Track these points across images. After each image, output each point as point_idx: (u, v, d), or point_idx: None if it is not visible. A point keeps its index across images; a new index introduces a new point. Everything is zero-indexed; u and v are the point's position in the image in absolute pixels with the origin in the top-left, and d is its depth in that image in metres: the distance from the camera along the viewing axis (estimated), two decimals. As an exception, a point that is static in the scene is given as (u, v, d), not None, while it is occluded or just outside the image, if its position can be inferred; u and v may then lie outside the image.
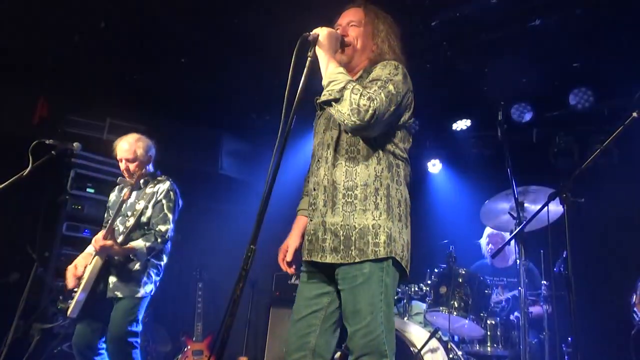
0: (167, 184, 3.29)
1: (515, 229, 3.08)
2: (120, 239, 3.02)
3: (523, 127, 4.88)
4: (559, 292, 3.44)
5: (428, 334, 3.42)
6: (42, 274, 4.49)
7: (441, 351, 3.36)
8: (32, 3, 3.89)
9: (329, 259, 1.89)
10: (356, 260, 1.85)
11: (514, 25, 3.79)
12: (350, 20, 2.14)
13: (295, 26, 3.80)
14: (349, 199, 1.91)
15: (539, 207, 2.78)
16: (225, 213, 6.00)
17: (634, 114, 2.48)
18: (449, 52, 4.21)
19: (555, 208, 2.93)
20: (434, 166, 5.72)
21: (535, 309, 3.81)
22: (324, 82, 1.89)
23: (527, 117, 4.78)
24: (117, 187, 3.46)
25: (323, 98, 1.88)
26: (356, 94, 1.80)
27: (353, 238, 1.86)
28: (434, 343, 3.39)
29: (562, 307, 3.07)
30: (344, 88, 1.82)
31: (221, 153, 6.02)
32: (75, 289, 2.99)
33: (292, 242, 2.19)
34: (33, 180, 2.90)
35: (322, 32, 1.92)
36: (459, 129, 5.32)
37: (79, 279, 3.02)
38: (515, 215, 3.25)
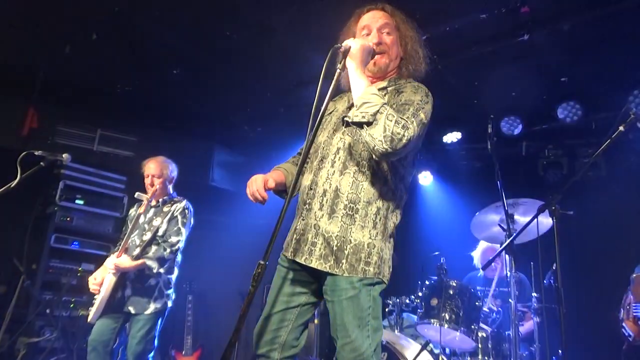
0: (184, 202, 3.62)
1: (506, 241, 3.09)
2: (136, 251, 3.28)
3: (513, 140, 4.93)
4: (550, 305, 3.46)
5: (419, 347, 3.41)
6: (28, 287, 4.42)
7: (432, 364, 3.34)
8: (24, 13, 3.89)
9: (315, 264, 1.88)
10: (344, 275, 1.84)
11: (504, 40, 3.84)
12: (382, 26, 2.08)
13: (289, 39, 3.86)
14: (349, 212, 1.89)
15: (528, 219, 2.80)
16: (216, 225, 5.98)
17: (621, 128, 2.51)
18: (440, 65, 4.25)
19: (545, 220, 2.95)
20: (425, 178, 5.75)
21: (526, 324, 3.82)
22: (357, 102, 1.81)
23: (517, 130, 4.83)
24: (137, 204, 3.74)
25: (355, 119, 1.79)
26: (390, 121, 1.74)
27: (346, 252, 1.86)
28: (425, 356, 3.38)
29: (553, 319, 3.08)
30: (378, 112, 1.75)
31: (212, 165, 6.01)
32: (96, 296, 3.29)
33: (271, 179, 2.05)
34: (21, 192, 2.89)
35: (354, 44, 1.87)
36: (449, 142, 5.36)
37: (100, 285, 3.29)
38: (505, 227, 3.26)
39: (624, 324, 2.97)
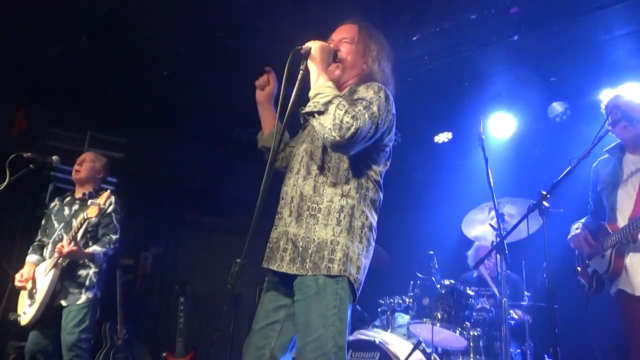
0: (112, 198, 3.52)
1: (496, 240, 3.11)
2: (69, 245, 3.21)
3: (503, 139, 4.96)
4: (541, 303, 3.48)
5: (411, 346, 3.42)
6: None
7: (425, 363, 3.36)
8: (13, 15, 3.86)
9: (285, 268, 1.89)
10: (309, 273, 1.84)
11: (494, 40, 3.87)
12: (343, 37, 2.14)
13: (279, 40, 3.85)
14: (312, 212, 1.90)
15: (519, 218, 2.82)
16: (208, 226, 5.96)
17: (609, 127, 2.55)
18: (430, 65, 4.28)
19: (536, 219, 2.97)
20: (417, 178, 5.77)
21: (519, 315, 3.84)
22: (311, 94, 1.88)
23: (508, 129, 4.87)
24: (57, 197, 3.70)
25: (307, 109, 1.86)
26: (341, 110, 1.79)
27: (310, 251, 1.86)
28: (417, 355, 3.39)
29: (544, 317, 3.10)
30: (329, 102, 1.81)
31: (203, 166, 5.99)
32: (30, 300, 3.26)
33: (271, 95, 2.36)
34: (11, 194, 2.86)
35: (314, 45, 1.94)
36: (441, 142, 5.39)
37: (32, 290, 3.27)
38: (496, 226, 3.28)
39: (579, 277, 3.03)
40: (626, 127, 2.71)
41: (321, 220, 1.89)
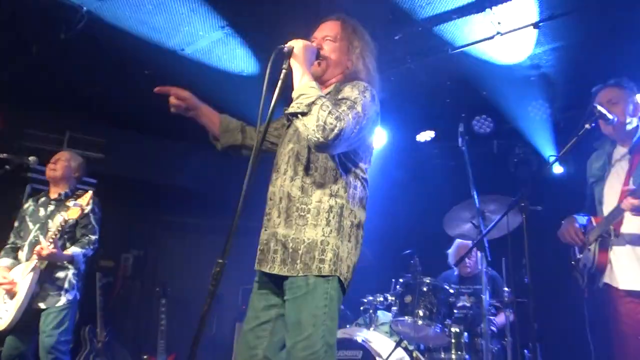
0: (90, 197, 3.43)
1: (477, 237, 3.14)
2: (48, 247, 3.15)
3: (484, 138, 5.02)
4: (521, 299, 3.53)
5: (394, 344, 3.44)
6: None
7: (407, 360, 3.38)
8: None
9: (277, 270, 1.89)
10: (300, 274, 1.84)
11: (474, 40, 3.91)
12: (326, 34, 2.13)
13: (263, 36, 3.84)
14: (302, 213, 1.90)
15: (499, 215, 2.85)
16: (189, 227, 5.91)
17: (587, 126, 2.59)
18: (412, 65, 4.30)
19: (516, 216, 3.00)
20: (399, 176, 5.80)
21: (499, 319, 3.89)
22: (295, 94, 1.87)
23: (488, 129, 4.93)
24: (31, 198, 3.62)
25: (291, 110, 1.85)
26: (324, 111, 1.78)
27: (300, 252, 1.86)
28: (399, 352, 3.41)
29: (524, 313, 3.14)
30: (313, 103, 1.80)
31: (186, 166, 5.94)
32: (6, 303, 3.19)
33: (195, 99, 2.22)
34: (-14, 196, 2.80)
35: (297, 44, 1.92)
36: (423, 141, 5.44)
37: (7, 294, 3.20)
38: (476, 224, 3.32)
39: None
40: (606, 123, 2.74)
41: (310, 221, 1.89)
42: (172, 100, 2.17)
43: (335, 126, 1.77)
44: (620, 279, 2.59)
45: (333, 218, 1.90)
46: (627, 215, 2.55)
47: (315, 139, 1.78)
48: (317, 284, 1.83)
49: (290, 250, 1.87)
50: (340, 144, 1.83)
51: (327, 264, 1.84)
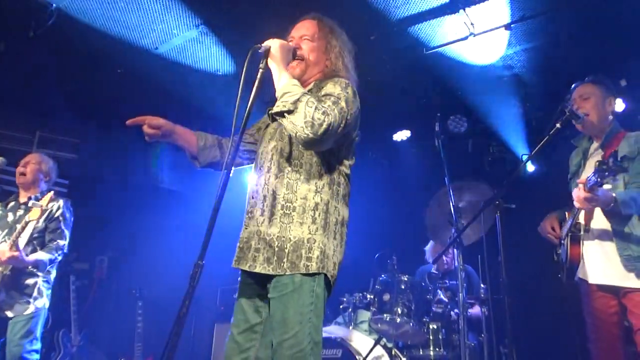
0: (61, 201, 3.38)
1: (453, 236, 3.19)
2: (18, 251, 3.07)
3: (459, 137, 5.09)
4: (497, 296, 3.59)
5: (373, 342, 3.46)
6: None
7: (385, 358, 3.41)
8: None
9: (259, 268, 1.88)
10: (287, 273, 1.84)
11: (450, 41, 3.95)
12: (304, 34, 2.13)
13: (239, 35, 3.81)
14: (287, 211, 1.90)
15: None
16: (165, 228, 5.82)
17: (558, 125, 2.64)
18: (389, 65, 4.33)
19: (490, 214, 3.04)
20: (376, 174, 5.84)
21: (473, 310, 3.96)
22: (278, 94, 1.85)
23: (463, 128, 5.00)
24: (2, 203, 3.52)
25: (276, 109, 1.84)
26: (311, 107, 1.78)
27: (287, 250, 1.85)
28: (378, 350, 3.43)
29: (500, 309, 3.20)
30: (298, 100, 1.80)
31: (162, 166, 5.85)
32: None
33: (169, 124, 2.14)
34: (-47, 198, 2.72)
35: (273, 44, 1.91)
36: (399, 140, 5.49)
37: None
38: (452, 222, 3.35)
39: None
40: (576, 121, 2.79)
41: (296, 219, 1.88)
42: (146, 129, 2.08)
43: (324, 121, 1.77)
44: (590, 273, 2.66)
45: (319, 215, 1.90)
46: (597, 210, 2.61)
47: (305, 135, 1.78)
48: (304, 282, 1.83)
49: (276, 249, 1.86)
50: (329, 139, 1.84)
51: (314, 261, 1.84)
